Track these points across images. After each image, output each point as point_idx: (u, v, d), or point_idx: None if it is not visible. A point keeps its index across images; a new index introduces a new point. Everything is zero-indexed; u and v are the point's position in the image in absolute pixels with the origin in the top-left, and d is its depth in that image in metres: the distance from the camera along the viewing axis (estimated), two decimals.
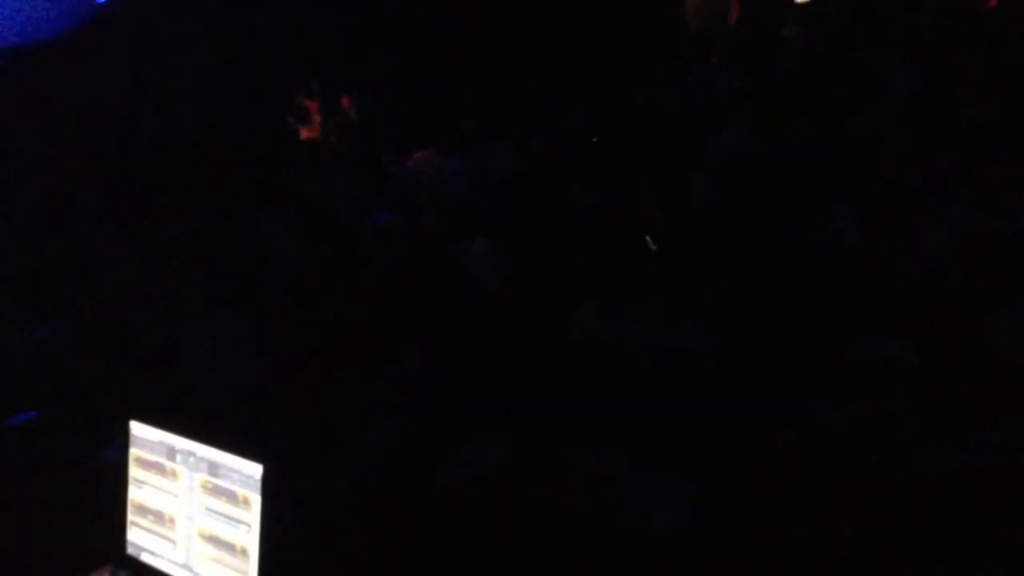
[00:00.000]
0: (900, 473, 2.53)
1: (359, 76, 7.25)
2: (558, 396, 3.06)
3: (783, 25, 7.09)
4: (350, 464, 2.82)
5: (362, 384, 3.23)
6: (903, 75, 5.39)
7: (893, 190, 4.23)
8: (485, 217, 4.67)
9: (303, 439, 2.80)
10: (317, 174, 5.84)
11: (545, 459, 2.77)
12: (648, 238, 3.91)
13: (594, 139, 5.63)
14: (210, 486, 2.02)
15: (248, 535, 1.94)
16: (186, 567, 2.07)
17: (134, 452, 2.17)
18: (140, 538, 2.16)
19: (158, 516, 2.12)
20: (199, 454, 2.05)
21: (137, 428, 2.17)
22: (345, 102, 7.07)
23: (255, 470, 1.94)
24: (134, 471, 2.17)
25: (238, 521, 1.96)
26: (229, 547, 1.97)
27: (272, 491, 1.91)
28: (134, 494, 2.17)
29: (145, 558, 2.15)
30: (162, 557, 2.11)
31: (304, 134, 7.12)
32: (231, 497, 1.97)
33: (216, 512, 2.00)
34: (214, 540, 2.01)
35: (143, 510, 2.15)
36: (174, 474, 2.09)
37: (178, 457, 2.08)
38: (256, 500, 1.93)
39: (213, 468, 2.01)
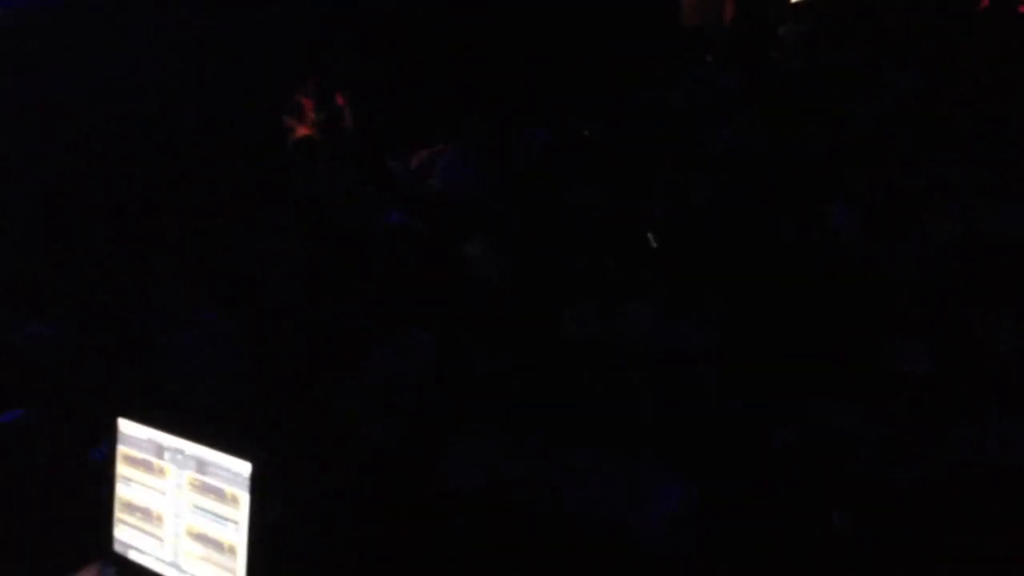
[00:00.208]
0: (899, 473, 2.51)
1: (357, 74, 7.24)
2: (557, 395, 3.04)
3: (779, 23, 7.09)
4: (344, 462, 2.80)
5: (358, 381, 3.21)
6: (903, 75, 5.38)
7: (893, 190, 4.21)
8: (486, 215, 4.65)
9: (293, 437, 2.78)
10: (316, 173, 5.83)
11: (543, 458, 2.75)
12: (650, 235, 3.90)
13: (585, 132, 5.63)
14: (198, 484, 2.00)
15: (236, 533, 1.92)
16: (174, 565, 2.05)
17: (122, 449, 2.15)
18: (127, 535, 2.14)
19: (146, 513, 2.10)
20: (187, 451, 2.03)
21: (125, 425, 2.15)
22: (339, 99, 7.03)
23: (243, 468, 1.91)
24: (122, 468, 2.15)
25: (226, 519, 1.94)
26: (217, 545, 1.95)
27: (261, 489, 1.89)
28: (122, 491, 2.15)
29: (132, 556, 2.13)
30: (150, 555, 2.09)
31: (299, 132, 7.09)
32: (219, 495, 1.95)
33: (204, 510, 1.98)
34: (202, 538, 1.99)
35: (131, 507, 2.13)
36: (162, 471, 2.07)
37: (166, 454, 2.06)
38: (244, 498, 1.91)
39: (201, 466, 1.99)
